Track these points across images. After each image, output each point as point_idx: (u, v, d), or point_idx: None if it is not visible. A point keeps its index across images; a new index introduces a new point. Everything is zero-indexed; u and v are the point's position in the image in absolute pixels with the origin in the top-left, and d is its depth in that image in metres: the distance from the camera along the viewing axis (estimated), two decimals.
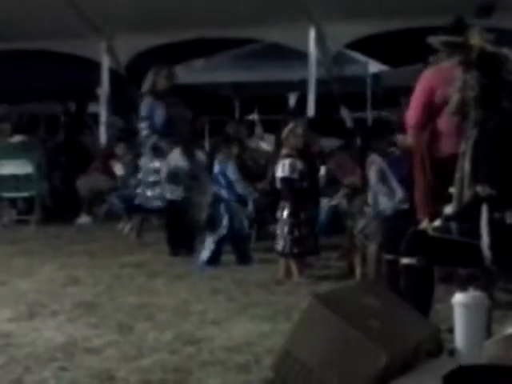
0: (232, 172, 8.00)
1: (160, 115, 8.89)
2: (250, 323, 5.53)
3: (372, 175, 7.09)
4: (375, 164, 7.13)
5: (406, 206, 6.77)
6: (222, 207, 7.99)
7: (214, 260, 7.86)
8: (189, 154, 8.69)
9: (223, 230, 7.93)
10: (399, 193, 6.94)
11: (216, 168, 8.15)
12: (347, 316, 3.73)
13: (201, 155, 8.93)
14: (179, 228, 8.61)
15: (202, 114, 11.88)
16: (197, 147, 9.10)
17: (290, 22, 11.24)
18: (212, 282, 7.02)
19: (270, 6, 10.94)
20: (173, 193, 8.61)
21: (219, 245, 7.93)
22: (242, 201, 7.89)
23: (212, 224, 8.04)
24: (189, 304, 6.13)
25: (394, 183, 7.00)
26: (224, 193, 8.03)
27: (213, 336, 5.17)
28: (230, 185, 8.01)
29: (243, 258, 7.96)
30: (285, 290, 6.71)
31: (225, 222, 7.94)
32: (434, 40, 4.78)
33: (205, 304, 6.12)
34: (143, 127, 9.03)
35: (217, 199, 8.08)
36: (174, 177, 8.61)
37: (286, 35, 11.66)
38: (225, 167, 8.06)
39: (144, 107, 9.02)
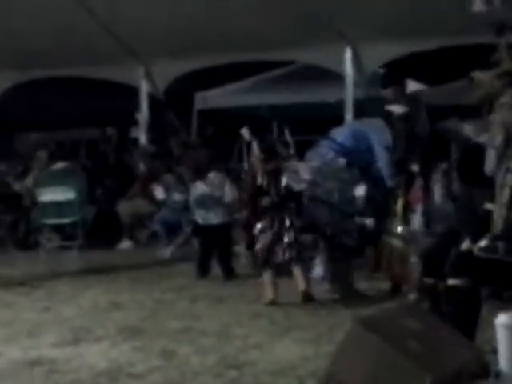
0: None
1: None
2: (292, 346, 5.54)
3: (437, 194, 7.08)
4: (438, 182, 7.13)
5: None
6: None
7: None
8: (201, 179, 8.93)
9: None
10: None
11: None
12: (389, 339, 3.73)
13: (215, 178, 8.96)
14: (210, 252, 8.74)
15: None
16: (213, 170, 9.08)
17: (325, 43, 11.26)
18: (253, 304, 7.05)
19: (305, 28, 10.97)
20: (203, 218, 8.80)
21: None
22: None
23: None
24: (231, 327, 6.16)
25: None
26: None
27: (256, 360, 5.19)
28: None
29: None
30: (326, 312, 6.71)
31: None
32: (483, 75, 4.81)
33: (247, 327, 6.14)
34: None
35: None
36: (201, 202, 8.79)
37: (321, 56, 11.66)
38: None
39: None
